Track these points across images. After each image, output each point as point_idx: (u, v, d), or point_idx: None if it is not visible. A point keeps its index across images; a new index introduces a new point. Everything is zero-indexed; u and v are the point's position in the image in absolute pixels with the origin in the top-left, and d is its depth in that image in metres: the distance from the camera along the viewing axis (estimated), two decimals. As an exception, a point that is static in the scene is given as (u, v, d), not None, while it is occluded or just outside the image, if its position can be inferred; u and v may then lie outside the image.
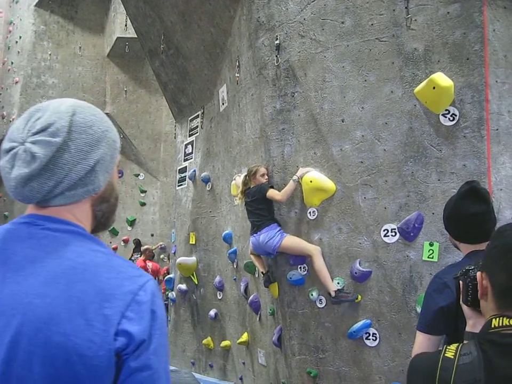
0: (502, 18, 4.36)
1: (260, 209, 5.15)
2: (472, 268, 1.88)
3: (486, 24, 4.26)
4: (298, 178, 4.88)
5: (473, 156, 4.24)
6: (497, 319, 1.48)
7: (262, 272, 5.30)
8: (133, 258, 13.50)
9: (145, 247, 12.02)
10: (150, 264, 11.94)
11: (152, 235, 15.51)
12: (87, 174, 1.22)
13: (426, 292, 2.51)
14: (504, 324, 1.46)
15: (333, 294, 4.62)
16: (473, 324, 1.86)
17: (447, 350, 1.53)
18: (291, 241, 4.96)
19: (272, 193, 5.05)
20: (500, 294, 1.50)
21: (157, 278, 11.40)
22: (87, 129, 1.23)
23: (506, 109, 4.33)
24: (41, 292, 1.10)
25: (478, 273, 1.61)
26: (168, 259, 12.74)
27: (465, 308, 1.92)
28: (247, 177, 5.33)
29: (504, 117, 4.32)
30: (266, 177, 5.23)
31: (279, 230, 5.01)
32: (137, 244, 14.05)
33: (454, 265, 2.58)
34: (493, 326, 1.48)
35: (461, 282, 1.93)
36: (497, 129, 4.27)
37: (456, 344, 1.54)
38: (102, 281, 1.13)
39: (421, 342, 2.37)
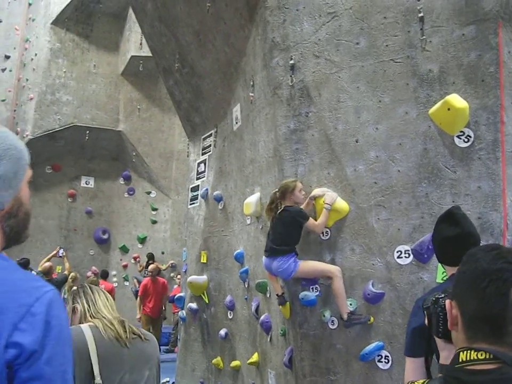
0: (518, 40, 4.36)
1: (288, 234, 4.86)
2: (442, 296, 1.78)
3: (501, 46, 4.26)
4: (330, 205, 4.75)
5: (488, 177, 4.22)
6: (465, 352, 1.36)
7: (277, 294, 5.17)
8: (145, 273, 13.44)
9: (151, 267, 11.96)
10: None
11: (162, 253, 15.52)
12: None
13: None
14: (471, 358, 1.33)
15: (345, 317, 4.57)
16: (447, 356, 1.77)
17: None
18: (307, 266, 4.84)
19: (312, 223, 4.81)
20: (469, 324, 1.38)
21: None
22: None
23: (522, 131, 4.31)
24: None
25: (447, 302, 1.47)
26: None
27: (437, 340, 1.84)
28: (278, 193, 4.93)
29: (520, 139, 4.30)
30: (304, 193, 4.92)
31: (294, 259, 4.83)
32: (150, 257, 14.00)
33: (435, 288, 2.66)
34: (460, 360, 1.36)
35: (427, 312, 1.84)
36: (512, 151, 4.25)
37: (422, 381, 1.45)
38: None
39: (407, 366, 2.48)
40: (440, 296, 1.76)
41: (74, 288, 3.14)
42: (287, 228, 4.85)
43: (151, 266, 11.94)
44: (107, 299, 2.96)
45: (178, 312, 11.96)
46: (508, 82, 4.27)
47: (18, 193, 1.36)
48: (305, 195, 4.95)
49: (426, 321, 1.80)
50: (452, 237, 2.48)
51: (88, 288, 3.00)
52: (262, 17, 5.54)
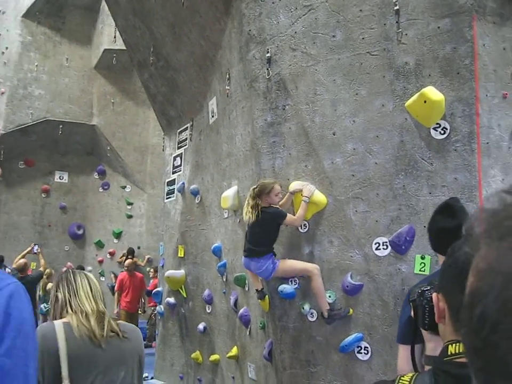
0: (491, 33, 4.41)
1: (265, 234, 4.81)
2: (428, 288, 1.75)
3: (476, 39, 4.30)
4: (308, 198, 4.74)
5: (464, 169, 4.27)
6: (454, 345, 1.34)
7: (256, 289, 5.15)
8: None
9: (127, 262, 11.87)
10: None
11: (138, 248, 15.41)
12: None
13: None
14: (460, 351, 1.30)
15: (326, 314, 4.59)
16: (434, 347, 1.74)
17: (400, 380, 1.40)
18: (286, 266, 4.82)
19: (290, 220, 4.77)
20: (457, 317, 1.32)
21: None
22: None
23: (496, 123, 4.37)
24: None
25: (434, 295, 1.44)
26: (155, 272, 12.64)
27: (423, 331, 1.83)
28: (256, 191, 4.81)
29: (494, 130, 4.36)
30: (280, 196, 4.83)
31: (272, 260, 4.79)
32: (130, 252, 13.88)
33: (426, 278, 2.69)
34: (449, 353, 1.34)
35: (413, 305, 1.81)
36: (487, 143, 4.30)
37: (411, 374, 1.42)
38: None
39: (400, 353, 2.49)
40: (426, 289, 1.74)
41: (60, 273, 2.99)
42: (265, 228, 4.79)
43: (127, 261, 11.86)
44: (90, 288, 2.77)
45: (152, 306, 11.93)
46: (482, 74, 4.31)
47: None
48: (281, 198, 4.88)
49: (412, 313, 1.80)
50: (450, 228, 2.50)
51: (72, 275, 2.80)
52: (238, 10, 5.51)
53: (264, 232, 4.80)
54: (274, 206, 4.80)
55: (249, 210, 4.84)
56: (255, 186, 4.89)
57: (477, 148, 4.24)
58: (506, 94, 4.41)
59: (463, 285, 1.33)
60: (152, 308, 12.11)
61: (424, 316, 1.67)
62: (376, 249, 4.55)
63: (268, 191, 4.75)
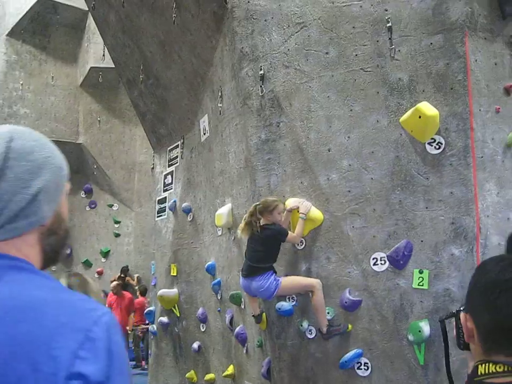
0: (483, 49, 4.47)
1: (266, 252, 4.73)
2: (462, 308, 1.70)
3: (468, 54, 4.36)
4: (305, 215, 4.71)
5: (460, 183, 4.30)
6: (483, 365, 1.33)
7: (253, 315, 5.06)
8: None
9: (112, 284, 11.83)
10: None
11: (126, 266, 15.26)
12: (29, 204, 1.13)
13: None
14: (490, 371, 1.30)
15: (324, 330, 4.57)
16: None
17: None
18: (289, 283, 4.73)
19: (290, 237, 4.72)
20: (485, 337, 1.36)
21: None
22: (27, 156, 1.15)
23: (490, 137, 4.42)
24: None
25: (462, 315, 1.46)
26: (141, 293, 12.52)
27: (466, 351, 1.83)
28: (259, 208, 4.74)
29: (488, 144, 4.40)
30: (283, 215, 4.81)
31: (274, 277, 4.70)
32: (123, 271, 13.77)
33: None
34: (479, 373, 1.34)
35: (441, 326, 1.82)
36: (482, 157, 4.34)
37: None
38: (49, 319, 1.01)
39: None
40: (460, 309, 1.74)
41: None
42: (267, 245, 4.74)
43: (112, 284, 11.82)
44: None
45: (139, 325, 11.80)
46: (475, 89, 4.37)
47: (59, 207, 1.23)
48: (283, 216, 4.83)
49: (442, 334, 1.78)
50: None
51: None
52: (230, 28, 5.53)
53: (266, 249, 4.75)
54: (276, 223, 4.77)
55: (244, 227, 4.82)
56: (258, 203, 4.82)
57: (472, 162, 4.28)
58: (498, 108, 4.47)
59: (489, 304, 1.34)
60: (135, 328, 11.93)
61: (459, 336, 1.65)
62: (374, 264, 4.55)
63: (272, 209, 4.71)
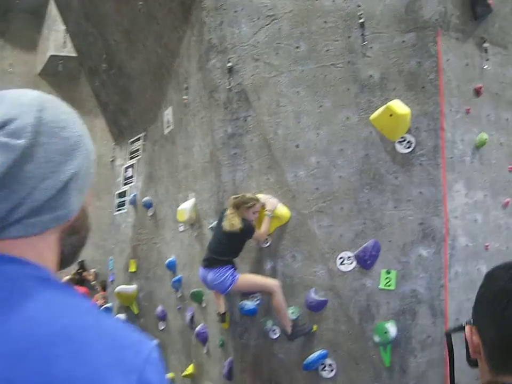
0: (455, 49, 4.43)
1: (231, 245, 4.64)
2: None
3: (440, 54, 4.31)
4: (272, 212, 4.63)
5: (429, 183, 4.25)
6: None
7: (219, 313, 4.92)
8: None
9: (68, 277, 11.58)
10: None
11: (83, 261, 14.92)
12: (58, 193, 0.87)
13: None
14: None
15: (289, 331, 4.47)
16: None
17: None
18: (245, 280, 4.63)
19: (257, 235, 4.65)
20: (491, 353, 1.19)
21: None
22: (60, 132, 0.89)
23: (460, 138, 4.38)
24: (2, 375, 0.73)
25: (467, 328, 1.28)
26: (102, 288, 12.23)
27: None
28: (236, 201, 4.63)
29: (458, 145, 4.37)
30: (256, 216, 4.71)
31: (232, 272, 4.60)
32: (80, 266, 13.40)
33: None
34: None
35: (448, 340, 1.70)
36: (451, 157, 4.31)
37: None
38: (93, 354, 0.78)
39: None
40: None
41: None
42: (233, 240, 4.62)
43: (64, 279, 11.49)
44: None
45: None
46: (446, 89, 4.33)
47: (85, 201, 0.98)
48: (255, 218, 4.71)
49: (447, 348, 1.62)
50: None
51: None
52: (198, 18, 5.38)
53: (231, 243, 4.63)
54: (247, 220, 4.64)
55: (236, 220, 4.57)
56: (236, 196, 4.69)
57: (442, 162, 4.24)
58: (469, 109, 4.44)
59: (495, 315, 1.20)
60: None
61: (467, 351, 1.50)
62: (341, 264, 4.48)
63: (249, 206, 4.61)
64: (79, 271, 12.60)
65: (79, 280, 12.38)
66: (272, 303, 4.57)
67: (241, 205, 4.60)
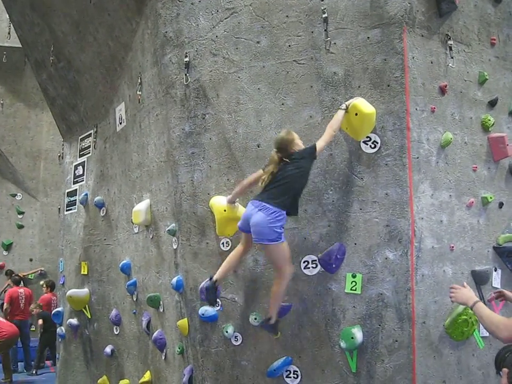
0: (420, 46, 4.33)
1: (298, 178, 4.05)
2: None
3: (406, 51, 4.21)
4: (347, 106, 4.10)
5: (395, 184, 4.15)
6: None
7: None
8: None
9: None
10: (21, 290, 11.60)
11: (31, 260, 14.40)
12: None
13: None
14: None
15: (273, 320, 4.17)
16: None
17: None
18: (283, 247, 4.07)
19: (320, 144, 4.05)
20: None
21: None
22: None
23: (425, 137, 4.29)
24: None
25: (504, 370, 1.30)
26: (47, 287, 11.80)
27: None
28: (279, 147, 4.11)
29: (424, 145, 4.28)
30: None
31: (282, 225, 4.00)
32: (9, 274, 13.05)
33: None
34: None
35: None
36: (417, 158, 4.21)
37: None
38: None
39: None
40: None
41: None
42: (301, 168, 4.05)
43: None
44: None
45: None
46: (412, 88, 4.23)
47: None
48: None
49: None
50: None
51: None
52: (153, 10, 5.12)
53: (300, 173, 4.05)
54: None
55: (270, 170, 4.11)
56: (275, 149, 4.17)
57: (408, 163, 4.14)
58: (434, 108, 4.35)
59: None
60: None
61: None
62: (305, 268, 4.34)
63: (291, 140, 4.12)
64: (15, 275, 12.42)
65: (19, 280, 12.11)
66: (274, 287, 4.17)
67: (287, 147, 4.11)
